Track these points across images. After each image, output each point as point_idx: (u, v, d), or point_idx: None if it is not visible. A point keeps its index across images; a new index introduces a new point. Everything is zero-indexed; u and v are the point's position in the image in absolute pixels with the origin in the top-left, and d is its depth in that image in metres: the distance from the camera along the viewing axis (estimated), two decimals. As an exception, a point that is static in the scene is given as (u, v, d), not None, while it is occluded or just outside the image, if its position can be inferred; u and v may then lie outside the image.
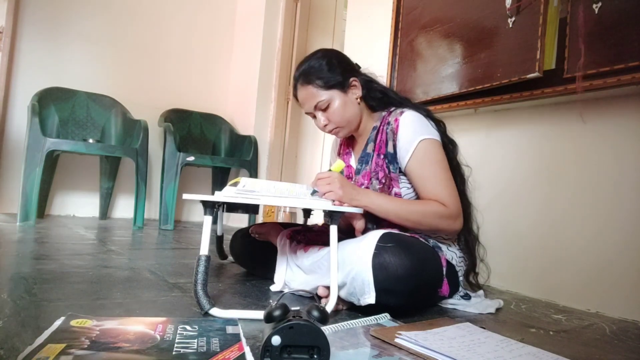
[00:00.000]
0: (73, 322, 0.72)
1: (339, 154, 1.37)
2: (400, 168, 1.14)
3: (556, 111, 1.43)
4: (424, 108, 1.21)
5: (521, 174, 1.52)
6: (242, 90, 3.30)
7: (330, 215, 0.98)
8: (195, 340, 0.69)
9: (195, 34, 3.28)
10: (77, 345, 0.63)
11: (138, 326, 0.74)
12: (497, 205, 1.56)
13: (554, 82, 1.35)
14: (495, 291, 1.45)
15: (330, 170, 1.10)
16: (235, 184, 1.02)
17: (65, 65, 2.77)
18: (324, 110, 1.17)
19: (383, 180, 1.15)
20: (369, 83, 1.23)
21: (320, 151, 3.50)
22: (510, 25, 1.44)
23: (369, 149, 1.20)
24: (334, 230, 0.96)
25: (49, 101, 2.54)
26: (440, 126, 1.19)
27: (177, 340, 0.69)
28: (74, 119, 2.64)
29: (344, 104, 1.16)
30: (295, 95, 1.22)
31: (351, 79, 1.18)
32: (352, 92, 1.19)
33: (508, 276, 1.49)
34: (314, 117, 1.20)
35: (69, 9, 2.78)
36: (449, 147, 1.18)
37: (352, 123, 1.20)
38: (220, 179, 3.21)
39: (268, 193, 0.98)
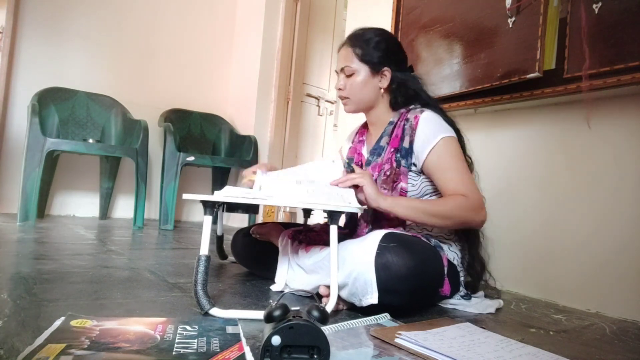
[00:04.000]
0: (73, 323, 0.72)
1: (352, 141, 1.40)
2: (413, 164, 1.15)
3: (556, 111, 1.43)
4: (445, 113, 1.22)
5: (521, 173, 1.52)
6: (242, 90, 3.30)
7: (330, 215, 0.98)
8: (195, 341, 0.69)
9: (195, 34, 3.29)
10: (77, 346, 0.63)
11: (138, 326, 0.74)
12: (496, 205, 1.55)
13: (554, 82, 1.35)
14: (495, 291, 1.45)
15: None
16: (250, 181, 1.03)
17: (65, 65, 2.77)
18: (348, 76, 1.22)
19: (388, 173, 1.17)
20: (403, 81, 1.22)
21: (320, 151, 3.51)
22: (510, 25, 1.44)
23: (383, 142, 1.22)
24: (334, 230, 0.96)
25: (49, 101, 2.54)
26: (457, 132, 1.20)
27: (177, 341, 0.69)
28: (74, 119, 2.64)
29: (365, 82, 1.21)
30: (339, 50, 1.27)
31: (385, 68, 1.21)
32: (380, 79, 1.22)
33: (508, 276, 1.49)
34: (338, 76, 1.26)
35: (69, 9, 2.78)
36: (463, 143, 1.21)
37: (362, 103, 1.24)
38: (220, 179, 3.21)
39: (282, 188, 0.99)
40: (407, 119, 1.18)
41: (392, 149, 1.18)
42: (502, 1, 1.46)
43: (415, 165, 1.15)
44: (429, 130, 1.12)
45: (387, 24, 2.05)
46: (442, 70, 1.71)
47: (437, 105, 1.24)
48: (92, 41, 2.87)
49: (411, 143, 1.14)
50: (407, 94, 1.23)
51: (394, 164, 1.16)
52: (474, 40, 1.57)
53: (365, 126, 1.37)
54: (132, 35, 3.02)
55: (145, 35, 3.08)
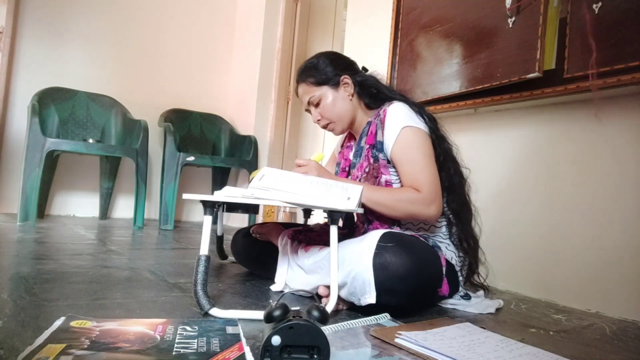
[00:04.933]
0: (73, 323, 0.72)
1: (341, 146, 1.41)
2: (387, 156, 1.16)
3: (556, 111, 1.43)
4: (415, 103, 1.23)
5: (521, 173, 1.52)
6: (242, 90, 3.30)
7: (330, 215, 0.98)
8: (195, 341, 0.69)
9: (195, 34, 3.28)
10: (77, 346, 0.63)
11: (138, 327, 0.74)
12: (497, 205, 1.56)
13: (554, 82, 1.35)
14: (495, 291, 1.45)
15: (310, 159, 1.18)
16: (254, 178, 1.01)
17: (65, 65, 2.77)
18: (316, 105, 1.25)
19: (367, 170, 1.18)
20: (363, 82, 1.26)
21: (320, 151, 3.51)
22: (510, 25, 1.44)
23: (363, 143, 1.24)
24: (334, 230, 0.96)
25: (49, 101, 2.54)
26: (428, 119, 1.19)
27: (177, 341, 0.69)
28: (74, 119, 2.64)
29: (334, 100, 1.23)
30: (297, 94, 1.31)
31: (342, 77, 1.24)
32: (344, 89, 1.25)
33: (508, 276, 1.49)
34: (311, 113, 1.28)
35: (69, 9, 2.78)
36: (436, 142, 1.18)
37: (344, 118, 1.25)
38: (220, 179, 3.21)
39: (287, 188, 0.98)
40: (378, 115, 1.20)
41: (368, 146, 1.20)
42: (502, 1, 1.46)
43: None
44: (393, 121, 1.13)
45: (387, 24, 2.05)
46: (442, 70, 1.70)
47: (402, 96, 1.25)
48: (92, 41, 2.87)
49: (383, 136, 1.15)
50: (369, 93, 1.25)
51: (371, 160, 1.18)
52: (474, 40, 1.57)
53: (352, 134, 1.38)
54: (132, 35, 3.02)
55: (145, 35, 3.08)
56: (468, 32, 1.60)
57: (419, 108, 1.20)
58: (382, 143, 1.15)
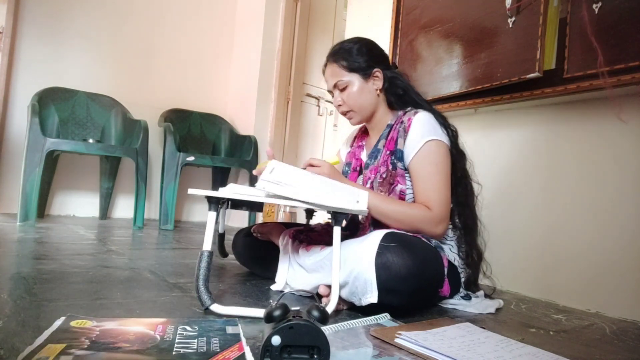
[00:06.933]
0: (73, 323, 0.72)
1: (351, 146, 1.40)
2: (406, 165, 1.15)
3: (556, 111, 1.43)
4: (440, 114, 1.21)
5: (521, 173, 1.52)
6: (242, 90, 3.30)
7: (334, 217, 0.97)
8: (195, 340, 0.69)
9: (195, 34, 3.28)
10: (77, 346, 0.63)
11: (138, 326, 0.74)
12: (497, 205, 1.56)
13: (554, 82, 1.35)
14: (495, 291, 1.44)
15: (324, 160, 1.16)
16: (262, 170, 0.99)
17: (65, 65, 2.77)
18: (342, 90, 1.22)
19: (384, 176, 1.17)
20: (393, 79, 1.24)
21: (320, 151, 3.51)
22: (510, 25, 1.44)
23: (380, 145, 1.23)
24: (337, 231, 0.96)
25: (49, 101, 2.54)
26: (452, 133, 1.19)
27: (177, 341, 0.69)
28: (74, 119, 2.64)
29: (361, 89, 1.21)
30: (323, 72, 1.28)
31: (374, 69, 1.22)
32: (373, 81, 1.23)
33: (508, 276, 1.49)
34: (333, 95, 1.26)
35: (69, 9, 2.78)
36: (456, 158, 1.18)
37: (365, 110, 1.24)
38: (220, 179, 3.21)
39: (299, 185, 0.96)
40: (402, 122, 1.18)
41: (388, 152, 1.19)
42: (502, 1, 1.46)
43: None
44: (418, 132, 1.13)
45: (387, 24, 2.05)
46: (442, 70, 1.70)
47: (428, 105, 1.24)
48: (92, 41, 2.87)
49: (404, 145, 1.15)
50: (396, 93, 1.23)
51: (390, 167, 1.17)
52: (474, 40, 1.57)
53: (365, 131, 1.37)
54: (132, 35, 3.02)
55: (145, 35, 3.08)
56: (468, 32, 1.60)
57: (444, 120, 1.19)
58: (402, 152, 1.15)
